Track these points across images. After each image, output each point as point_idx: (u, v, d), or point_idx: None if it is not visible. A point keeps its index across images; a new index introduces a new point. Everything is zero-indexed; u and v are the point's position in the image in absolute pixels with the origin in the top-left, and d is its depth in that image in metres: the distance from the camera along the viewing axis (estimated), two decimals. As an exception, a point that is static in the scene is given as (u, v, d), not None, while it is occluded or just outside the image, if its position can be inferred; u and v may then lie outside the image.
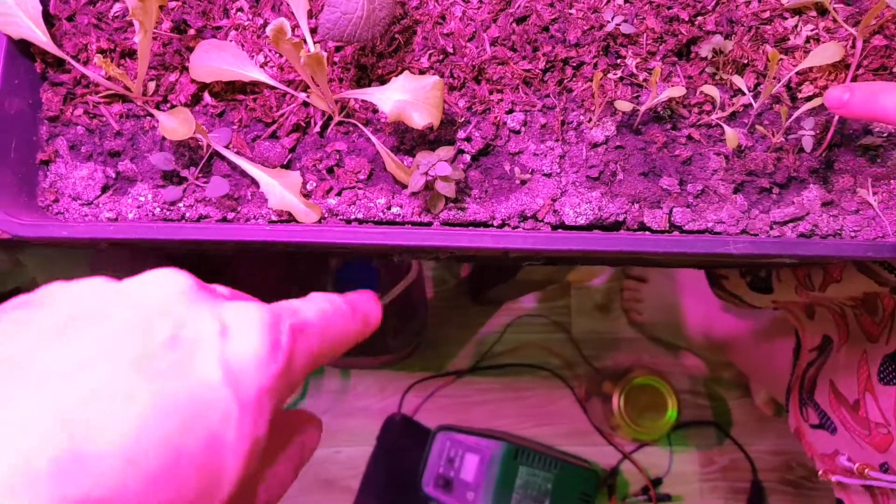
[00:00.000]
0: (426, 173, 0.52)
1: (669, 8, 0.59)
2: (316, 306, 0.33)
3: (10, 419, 0.21)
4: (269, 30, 0.49)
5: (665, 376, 1.53)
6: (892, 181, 0.59)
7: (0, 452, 0.21)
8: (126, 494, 0.22)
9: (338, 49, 0.59)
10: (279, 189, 0.54)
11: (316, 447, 0.35)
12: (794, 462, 1.64)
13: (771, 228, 0.58)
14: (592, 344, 1.70)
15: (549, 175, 0.58)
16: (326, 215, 0.56)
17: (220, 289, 0.33)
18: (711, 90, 0.58)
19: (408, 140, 0.58)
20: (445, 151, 0.53)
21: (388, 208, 0.56)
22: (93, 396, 0.23)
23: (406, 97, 0.52)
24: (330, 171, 0.57)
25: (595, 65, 0.59)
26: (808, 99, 0.60)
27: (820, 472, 0.93)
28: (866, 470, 0.82)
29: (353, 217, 0.56)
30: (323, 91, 0.54)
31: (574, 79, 0.60)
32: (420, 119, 0.52)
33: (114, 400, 0.23)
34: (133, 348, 0.25)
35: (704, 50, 0.59)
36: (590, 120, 0.59)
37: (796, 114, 0.57)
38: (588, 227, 0.58)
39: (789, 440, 1.40)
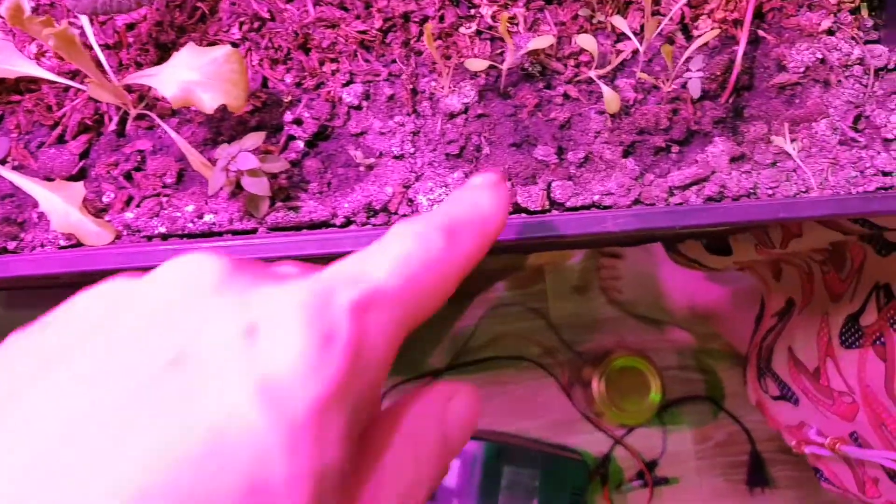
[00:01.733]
0: (226, 169, 0.42)
1: (528, -59, 0.49)
2: (392, 254, 0.23)
3: None
4: (2, 9, 0.39)
5: (649, 355, 1.44)
6: (813, 124, 0.49)
7: None
8: None
9: (130, 27, 0.49)
10: (62, 206, 0.44)
11: (474, 421, 0.25)
12: (793, 430, 1.55)
13: (670, 195, 0.48)
14: (572, 328, 1.61)
15: (400, 157, 0.48)
16: (124, 232, 0.46)
17: (285, 268, 0.24)
18: (586, 40, 0.48)
19: (226, 130, 0.48)
20: (252, 139, 0.43)
21: (200, 217, 0.46)
22: (82, 440, 0.17)
23: (193, 76, 0.42)
24: (128, 176, 0.48)
25: (441, 18, 0.49)
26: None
27: (793, 445, 0.85)
28: (838, 445, 0.74)
29: (155, 232, 0.46)
30: (97, 79, 0.44)
31: (421, 39, 0.49)
32: (212, 100, 0.42)
33: (95, 452, 0.17)
34: (133, 372, 0.19)
35: (569, -13, 0.48)
36: (443, 87, 0.49)
37: (686, 53, 0.47)
38: (451, 215, 0.48)
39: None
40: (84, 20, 0.45)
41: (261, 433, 0.18)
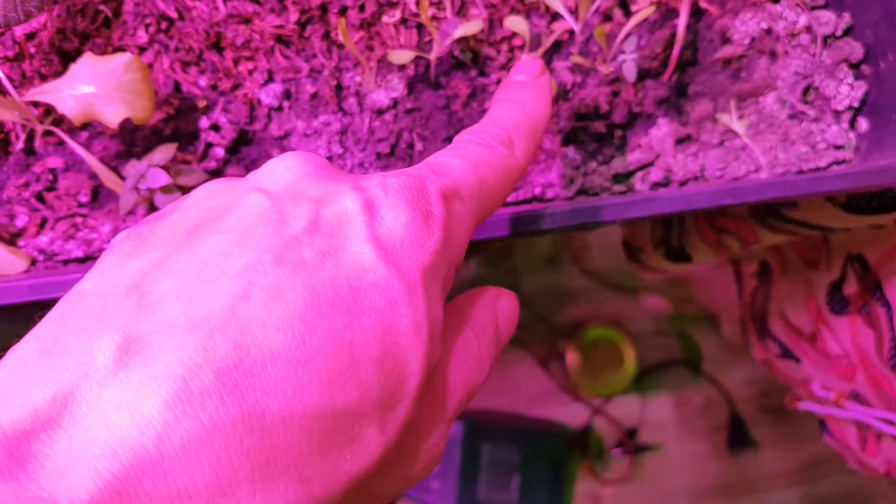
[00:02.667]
0: (137, 187, 0.40)
1: (450, -81, 0.46)
2: (466, 156, 0.28)
3: (165, 334, 0.19)
4: None
5: (624, 323, 1.44)
6: (760, 98, 0.47)
7: (163, 370, 0.18)
8: (303, 403, 0.19)
9: (30, 37, 0.45)
10: (-32, 233, 0.42)
11: (515, 318, 0.30)
12: (772, 388, 1.56)
13: (615, 183, 0.46)
14: (546, 300, 1.60)
15: (328, 159, 0.46)
16: (40, 258, 0.44)
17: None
18: (517, 23, 0.45)
19: (139, 141, 0.45)
20: (162, 153, 0.41)
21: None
22: (242, 297, 0.20)
23: (90, 89, 0.39)
24: (40, 197, 0.45)
25: (362, 7, 0.46)
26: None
27: (786, 401, 0.85)
28: (841, 399, 0.74)
29: (72, 256, 0.43)
30: (-9, 97, 0.41)
31: (341, 23, 0.46)
32: (115, 114, 0.39)
33: (265, 299, 0.20)
34: (272, 241, 0.22)
35: (495, -32, 0.45)
36: (369, 82, 0.46)
37: (623, 32, 0.44)
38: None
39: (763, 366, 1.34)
40: None
41: (389, 284, 0.22)
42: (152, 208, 0.41)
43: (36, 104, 0.44)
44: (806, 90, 0.48)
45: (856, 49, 0.47)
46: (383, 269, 0.22)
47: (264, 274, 0.21)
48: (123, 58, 0.39)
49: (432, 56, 0.45)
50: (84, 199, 0.45)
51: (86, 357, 0.18)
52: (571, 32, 0.47)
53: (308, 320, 0.20)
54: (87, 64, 0.40)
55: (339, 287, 0.21)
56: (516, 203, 0.46)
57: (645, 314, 1.60)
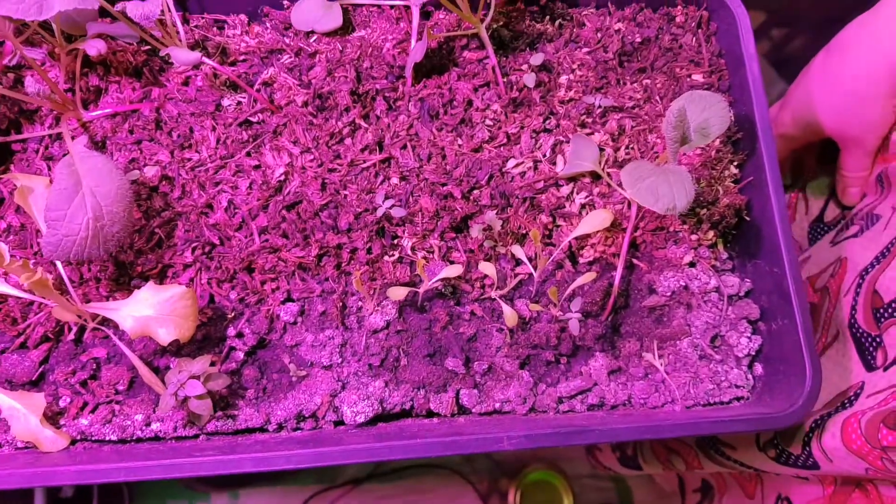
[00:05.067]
0: (176, 394, 0.49)
1: (444, 185, 0.58)
2: None
3: None
4: (-16, 255, 0.46)
5: (562, 465, 1.51)
6: (677, 342, 0.59)
7: None
8: None
9: (93, 249, 0.55)
10: (23, 413, 0.50)
11: None
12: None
13: (559, 403, 0.57)
14: (491, 438, 1.67)
15: (328, 367, 0.56)
16: (78, 438, 0.52)
17: None
18: (487, 268, 0.57)
19: (174, 341, 0.55)
20: (200, 364, 0.50)
21: (148, 424, 0.52)
22: None
23: (149, 312, 0.49)
24: (84, 384, 0.53)
25: (369, 249, 0.57)
26: (591, 263, 0.60)
27: None
28: None
29: (106, 438, 0.52)
30: (62, 305, 0.50)
31: (351, 262, 0.58)
32: (167, 335, 0.49)
33: None
34: None
35: (475, 230, 0.58)
36: (369, 308, 0.57)
37: (573, 285, 0.56)
38: (373, 422, 0.55)
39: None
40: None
41: None
42: (183, 402, 0.50)
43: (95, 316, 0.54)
44: (714, 338, 0.60)
45: (754, 310, 0.60)
46: None
47: None
48: (178, 289, 0.49)
49: (421, 290, 0.56)
50: (121, 387, 0.53)
51: None
52: (530, 275, 0.59)
53: None
54: (149, 290, 0.50)
55: None
56: (480, 414, 0.56)
57: (583, 457, 1.69)
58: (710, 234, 0.61)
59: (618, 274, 0.58)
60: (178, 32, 0.59)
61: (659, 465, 0.86)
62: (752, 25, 0.62)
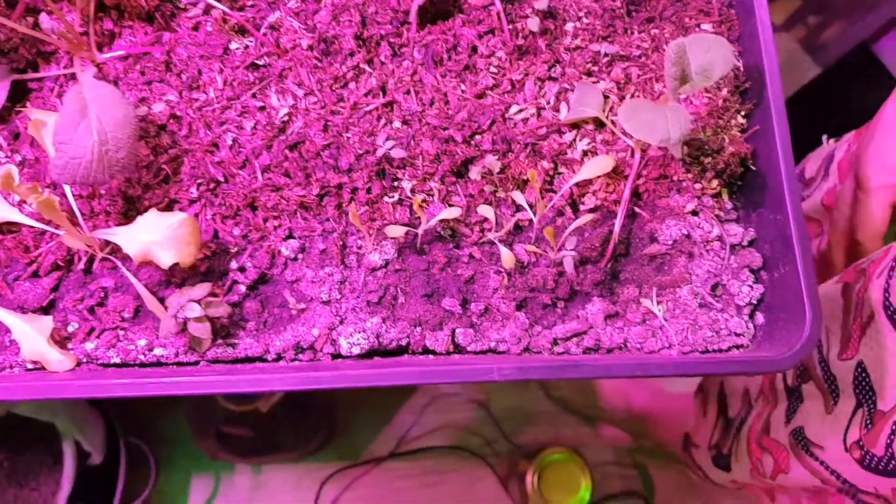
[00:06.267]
0: (175, 316, 0.50)
1: (445, 129, 0.59)
2: None
3: None
4: (-5, 176, 0.48)
5: (582, 450, 1.51)
6: (677, 289, 0.59)
7: None
8: None
9: (104, 183, 0.57)
10: (32, 335, 0.52)
11: None
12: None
13: (554, 345, 0.57)
14: (512, 420, 1.68)
15: (327, 302, 0.57)
16: (84, 360, 0.54)
17: None
18: (486, 210, 0.57)
19: (178, 273, 0.56)
20: (199, 290, 0.52)
21: (150, 350, 0.54)
22: None
23: (152, 237, 0.51)
24: (91, 310, 0.55)
25: (369, 189, 0.58)
26: (592, 210, 0.60)
27: None
28: None
29: (110, 361, 0.54)
30: (70, 231, 0.52)
31: (352, 203, 0.59)
32: (168, 258, 0.50)
33: None
34: None
35: (475, 172, 0.58)
36: (368, 246, 0.58)
37: (571, 227, 0.57)
38: (368, 355, 0.56)
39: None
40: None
41: None
42: (185, 328, 0.52)
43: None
44: (715, 286, 0.59)
45: (756, 258, 0.59)
46: None
47: None
48: (180, 216, 0.51)
49: (419, 230, 0.57)
50: (127, 315, 0.55)
51: None
52: (530, 221, 0.60)
53: None
54: (152, 217, 0.51)
55: None
56: (474, 353, 0.57)
57: (606, 444, 1.68)
58: (715, 183, 0.61)
59: (618, 220, 0.58)
60: (190, -23, 0.60)
61: (748, 466, 0.85)
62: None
